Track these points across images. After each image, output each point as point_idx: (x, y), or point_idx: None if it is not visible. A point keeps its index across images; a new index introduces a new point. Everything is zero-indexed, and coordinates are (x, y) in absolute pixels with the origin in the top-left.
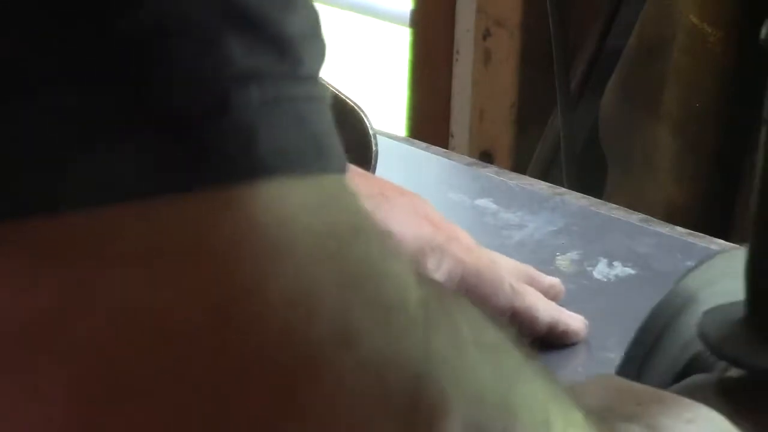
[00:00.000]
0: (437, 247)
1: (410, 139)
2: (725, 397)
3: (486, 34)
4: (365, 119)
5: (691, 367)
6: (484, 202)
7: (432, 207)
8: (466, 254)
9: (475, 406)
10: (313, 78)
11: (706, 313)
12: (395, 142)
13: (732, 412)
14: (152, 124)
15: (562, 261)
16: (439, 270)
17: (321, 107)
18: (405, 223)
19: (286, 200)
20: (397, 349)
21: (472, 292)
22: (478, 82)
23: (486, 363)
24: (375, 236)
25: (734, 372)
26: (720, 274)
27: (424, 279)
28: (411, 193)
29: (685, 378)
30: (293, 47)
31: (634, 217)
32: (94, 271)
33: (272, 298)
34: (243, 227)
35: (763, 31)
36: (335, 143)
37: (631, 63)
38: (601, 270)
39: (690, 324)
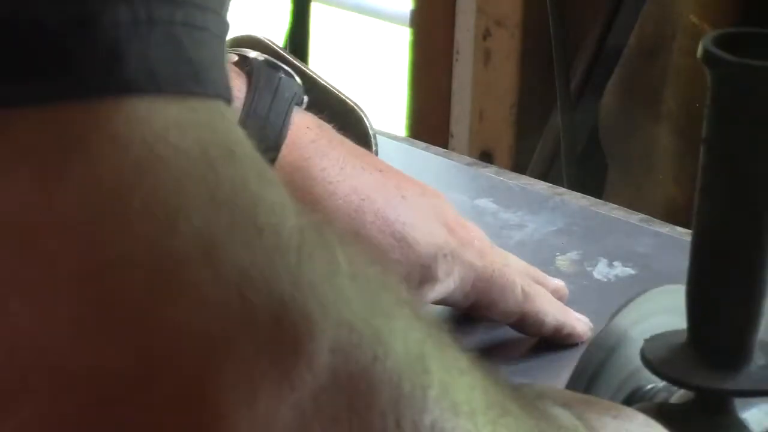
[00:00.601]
0: (450, 252)
1: (410, 139)
2: (664, 422)
3: (486, 34)
4: (365, 119)
5: (629, 404)
6: (484, 202)
7: (451, 208)
8: (478, 259)
9: (345, 333)
10: (198, 6)
11: (648, 340)
12: (395, 142)
13: None
14: (14, 34)
15: (562, 261)
16: (450, 276)
17: (203, 35)
18: (419, 227)
19: (154, 118)
20: (263, 270)
21: (483, 297)
22: (478, 82)
23: (360, 295)
24: (251, 161)
25: (674, 399)
26: (650, 312)
27: (304, 210)
28: (432, 193)
29: None
30: None
31: (634, 217)
32: None
33: (135, 214)
34: (104, 142)
35: (699, 50)
36: (216, 73)
37: (631, 63)
38: (601, 270)
39: (624, 362)
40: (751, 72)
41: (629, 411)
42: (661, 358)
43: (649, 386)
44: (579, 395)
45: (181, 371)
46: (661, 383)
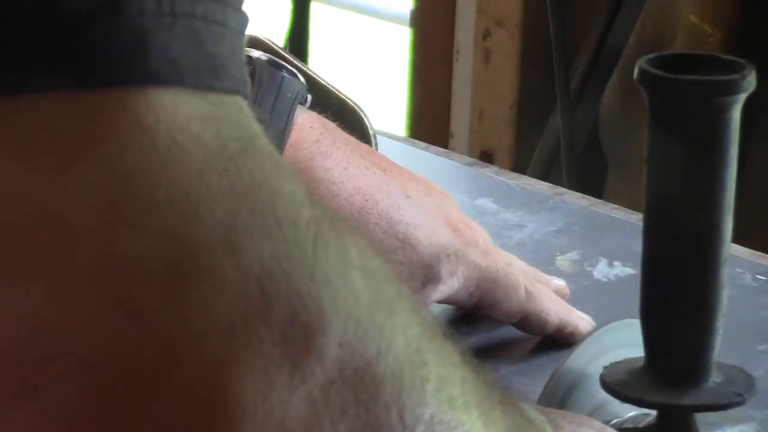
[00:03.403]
0: (453, 253)
1: (410, 139)
2: None
3: (486, 34)
4: (365, 119)
5: None
6: (484, 202)
7: (456, 208)
8: (483, 259)
9: (352, 327)
10: (217, 1)
11: (607, 367)
12: (395, 142)
13: None
14: (43, 20)
15: (562, 261)
16: (454, 276)
17: (222, 31)
18: (423, 227)
19: (177, 110)
20: (282, 262)
21: (487, 296)
22: (478, 82)
23: (368, 288)
24: (268, 154)
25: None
26: (605, 348)
27: (318, 201)
28: (437, 192)
29: None
30: None
31: (634, 217)
32: None
33: (159, 200)
34: (132, 130)
35: (636, 72)
36: (234, 68)
37: (631, 63)
38: (601, 270)
39: (586, 399)
40: (684, 86)
41: (585, 418)
42: (620, 381)
43: (614, 420)
44: (541, 408)
45: (201, 359)
46: (625, 416)
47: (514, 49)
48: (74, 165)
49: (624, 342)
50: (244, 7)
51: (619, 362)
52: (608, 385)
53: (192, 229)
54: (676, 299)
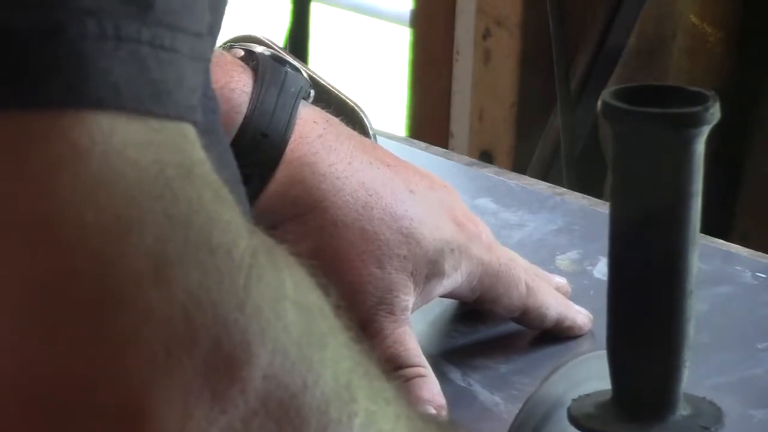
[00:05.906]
0: (457, 248)
1: (410, 139)
2: None
3: (486, 34)
4: (365, 119)
5: None
6: (484, 202)
7: (460, 202)
8: (486, 254)
9: (279, 360)
10: (168, 27)
11: (575, 400)
12: (395, 142)
13: None
14: None
15: (562, 260)
16: (457, 270)
17: (171, 57)
18: (427, 222)
19: (113, 133)
20: (211, 291)
21: (489, 291)
22: (478, 82)
23: (300, 321)
24: (209, 182)
25: None
26: (581, 378)
27: (257, 232)
28: (441, 187)
29: None
30: None
31: None
32: None
33: (89, 225)
34: (65, 152)
35: (599, 105)
36: (180, 94)
37: (631, 63)
38: (601, 269)
39: (560, 430)
40: (647, 118)
41: None
42: (586, 414)
43: None
44: None
45: (121, 386)
46: None
47: (514, 49)
48: (4, 184)
49: (601, 374)
50: (214, 34)
51: (588, 395)
52: (575, 419)
53: (120, 254)
54: (641, 331)
